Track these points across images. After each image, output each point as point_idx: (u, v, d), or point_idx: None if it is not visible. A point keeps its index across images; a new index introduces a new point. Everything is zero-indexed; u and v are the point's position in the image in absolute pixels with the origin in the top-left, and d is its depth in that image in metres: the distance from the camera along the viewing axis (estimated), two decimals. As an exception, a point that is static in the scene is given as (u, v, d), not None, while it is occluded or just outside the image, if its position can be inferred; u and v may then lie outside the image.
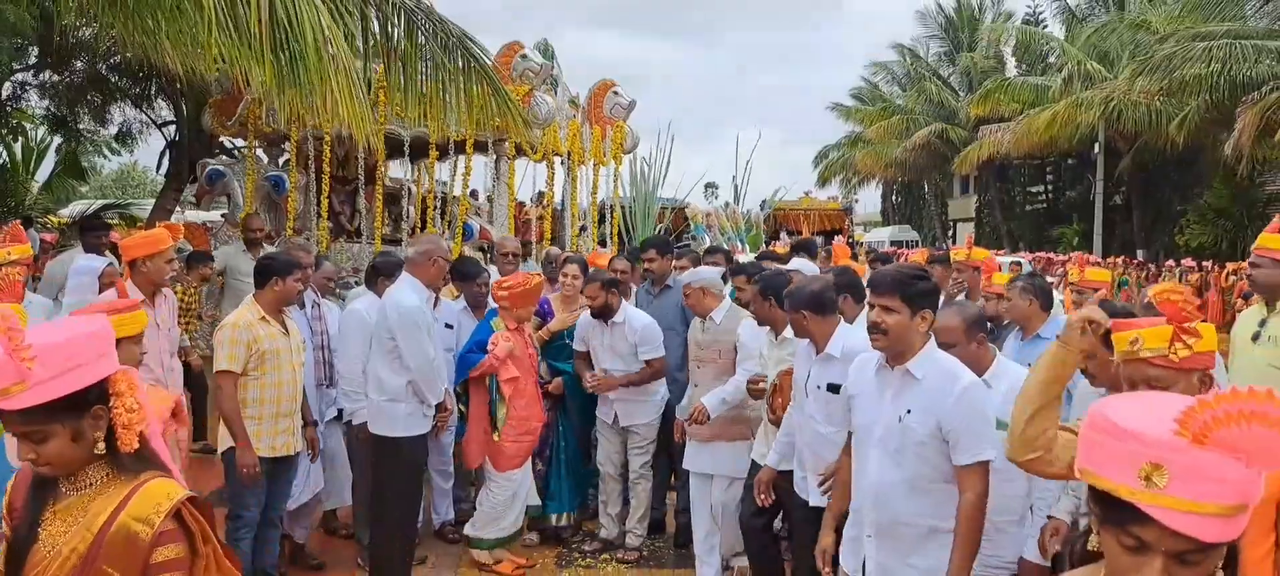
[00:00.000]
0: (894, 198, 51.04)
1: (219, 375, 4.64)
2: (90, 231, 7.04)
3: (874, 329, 3.20)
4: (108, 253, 6.79)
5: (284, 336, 4.73)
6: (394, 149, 9.38)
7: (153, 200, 24.23)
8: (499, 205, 9.80)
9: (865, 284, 4.22)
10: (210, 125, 9.29)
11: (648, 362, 5.71)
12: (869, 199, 49.97)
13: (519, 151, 9.58)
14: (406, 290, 5.02)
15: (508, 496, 5.52)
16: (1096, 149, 28.68)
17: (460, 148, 8.98)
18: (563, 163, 10.49)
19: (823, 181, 45.39)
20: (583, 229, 12.17)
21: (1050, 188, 38.13)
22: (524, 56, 9.24)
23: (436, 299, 5.58)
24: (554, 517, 6.12)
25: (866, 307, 3.39)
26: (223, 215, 9.80)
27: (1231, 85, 20.03)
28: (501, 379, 5.39)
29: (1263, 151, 19.91)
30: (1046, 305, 4.93)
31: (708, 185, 23.58)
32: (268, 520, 4.88)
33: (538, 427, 5.60)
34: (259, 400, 4.66)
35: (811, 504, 4.08)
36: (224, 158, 10.19)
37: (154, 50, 4.55)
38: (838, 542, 3.55)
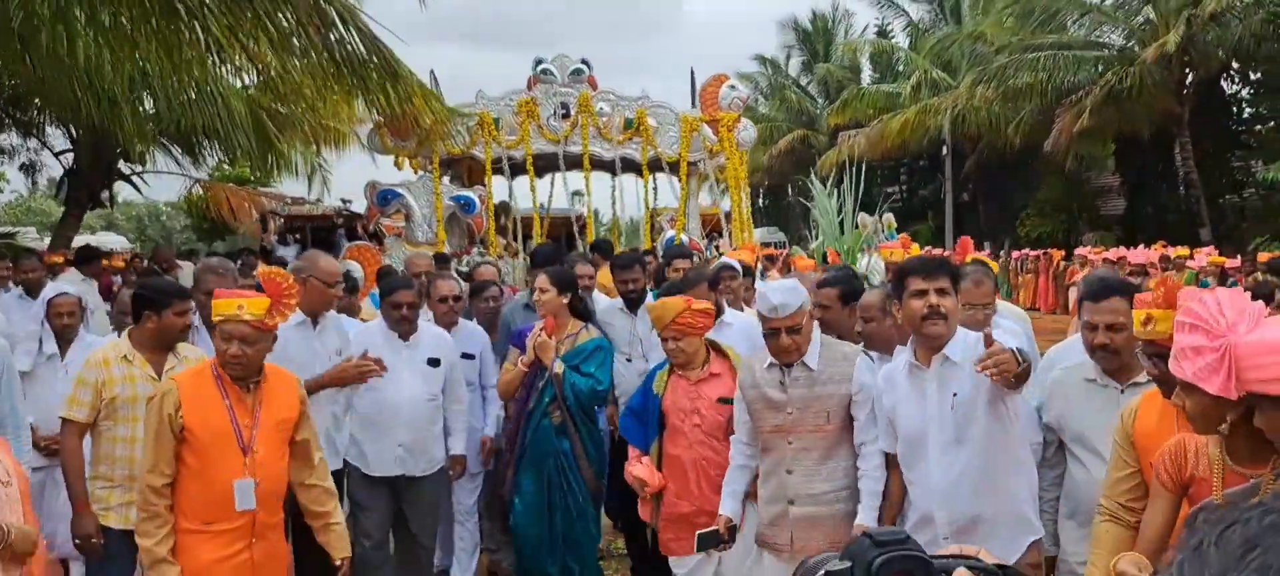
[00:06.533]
0: (762, 202, 52.98)
1: (62, 424, 3.72)
2: (84, 263, 7.95)
3: (934, 313, 3.04)
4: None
5: (152, 381, 3.66)
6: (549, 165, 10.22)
7: (28, 228, 23.51)
8: (692, 220, 10.82)
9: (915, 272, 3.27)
10: (379, 144, 9.52)
11: None
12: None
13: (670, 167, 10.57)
14: None
15: None
16: (944, 150, 30.97)
17: (655, 166, 10.27)
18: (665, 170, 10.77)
19: (694, 188, 46.82)
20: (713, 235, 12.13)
21: (904, 187, 40.46)
22: (732, 87, 10.27)
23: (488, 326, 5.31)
24: None
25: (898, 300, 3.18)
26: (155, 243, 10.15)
27: (1057, 91, 22.59)
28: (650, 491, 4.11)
29: (1084, 148, 22.38)
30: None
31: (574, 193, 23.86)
32: None
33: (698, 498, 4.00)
34: (110, 459, 3.69)
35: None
36: (405, 178, 9.91)
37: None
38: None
